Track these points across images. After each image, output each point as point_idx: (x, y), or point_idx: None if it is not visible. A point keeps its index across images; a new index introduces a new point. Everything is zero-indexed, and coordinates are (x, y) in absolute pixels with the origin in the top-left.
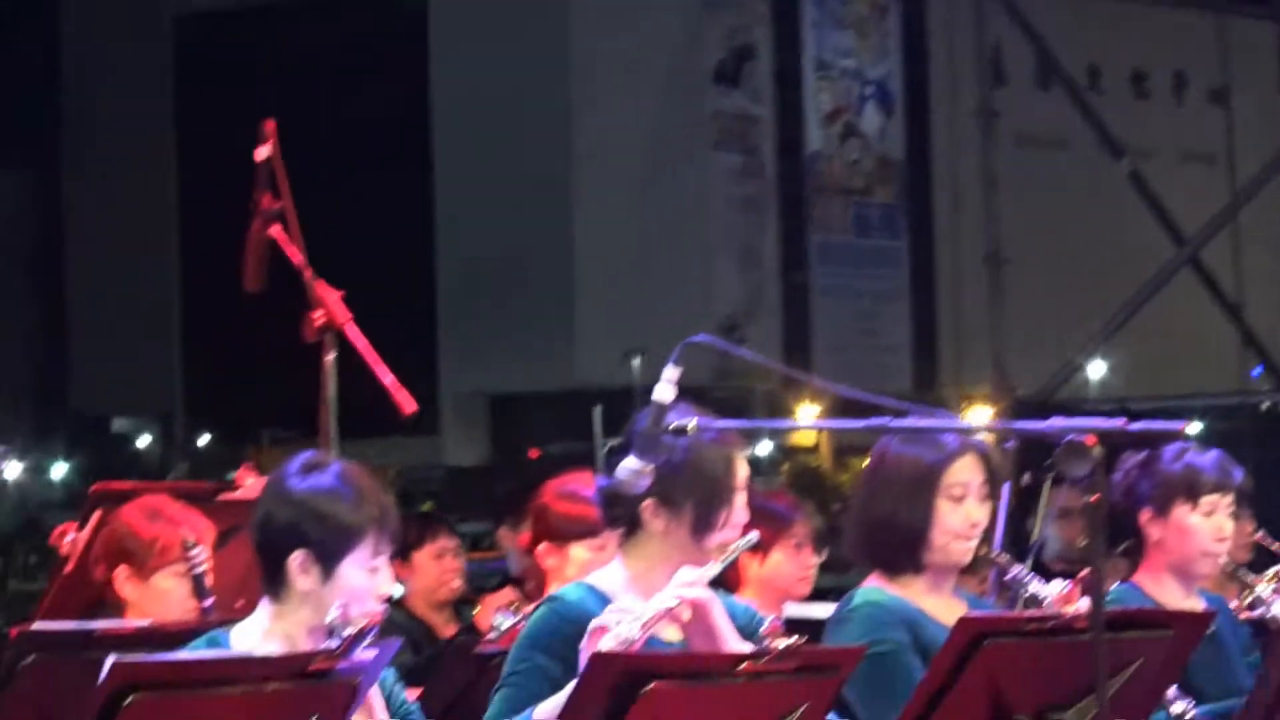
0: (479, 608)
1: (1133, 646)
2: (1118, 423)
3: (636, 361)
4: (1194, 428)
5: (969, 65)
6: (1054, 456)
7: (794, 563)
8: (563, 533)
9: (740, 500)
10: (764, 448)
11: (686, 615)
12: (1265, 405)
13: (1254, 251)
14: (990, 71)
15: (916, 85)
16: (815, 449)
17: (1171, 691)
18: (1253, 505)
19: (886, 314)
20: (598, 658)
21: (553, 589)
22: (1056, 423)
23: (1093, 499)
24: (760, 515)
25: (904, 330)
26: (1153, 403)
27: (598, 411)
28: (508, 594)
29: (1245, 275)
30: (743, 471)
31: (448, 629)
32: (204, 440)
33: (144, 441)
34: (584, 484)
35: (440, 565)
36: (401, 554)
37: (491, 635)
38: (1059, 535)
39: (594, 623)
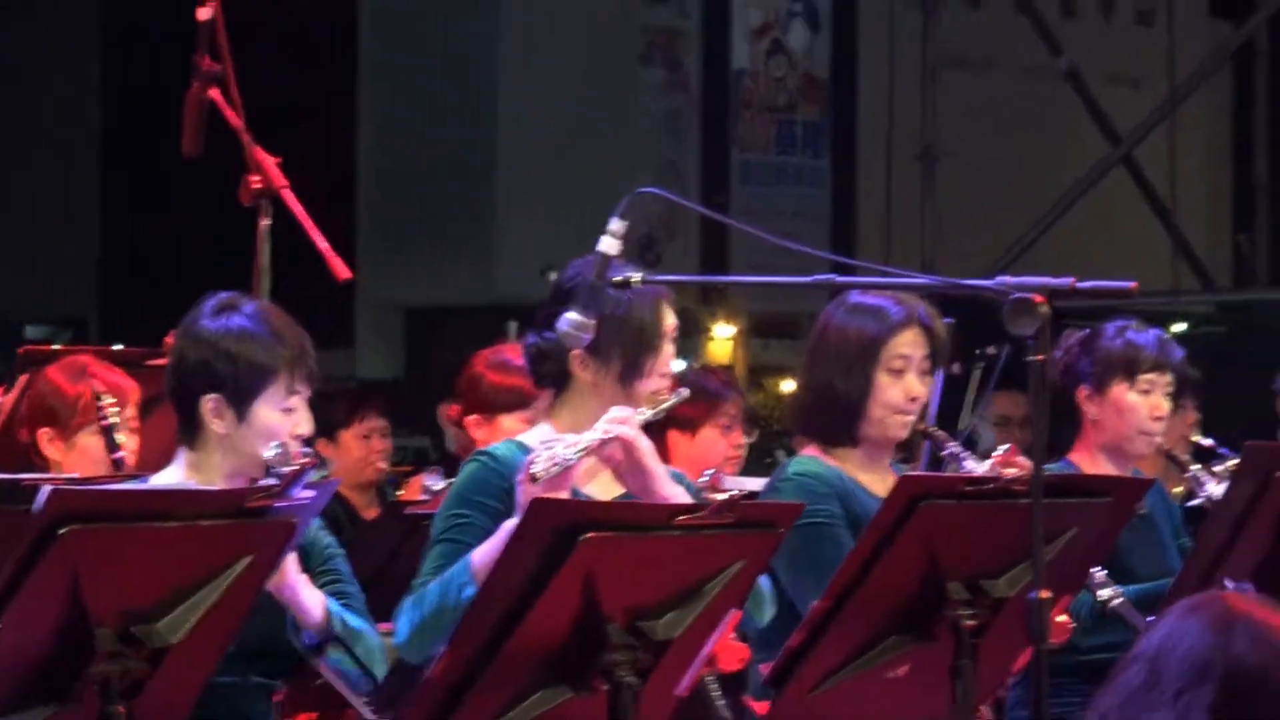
0: (404, 489)
1: (1070, 513)
2: (1065, 281)
3: (554, 277)
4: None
5: None
6: (1002, 315)
7: (723, 441)
8: (493, 403)
9: (668, 349)
10: (678, 365)
11: (619, 454)
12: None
13: (1187, 161)
14: None
15: (845, 2)
16: (731, 368)
17: (1100, 575)
18: (1196, 395)
19: (808, 234)
20: (535, 504)
21: None
22: (1004, 280)
23: (1038, 358)
24: (691, 393)
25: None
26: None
27: (513, 327)
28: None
29: (1179, 183)
30: (670, 320)
31: (370, 511)
32: (118, 347)
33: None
34: (515, 355)
35: (366, 446)
36: (328, 433)
37: (423, 497)
38: (995, 440)
39: (527, 459)
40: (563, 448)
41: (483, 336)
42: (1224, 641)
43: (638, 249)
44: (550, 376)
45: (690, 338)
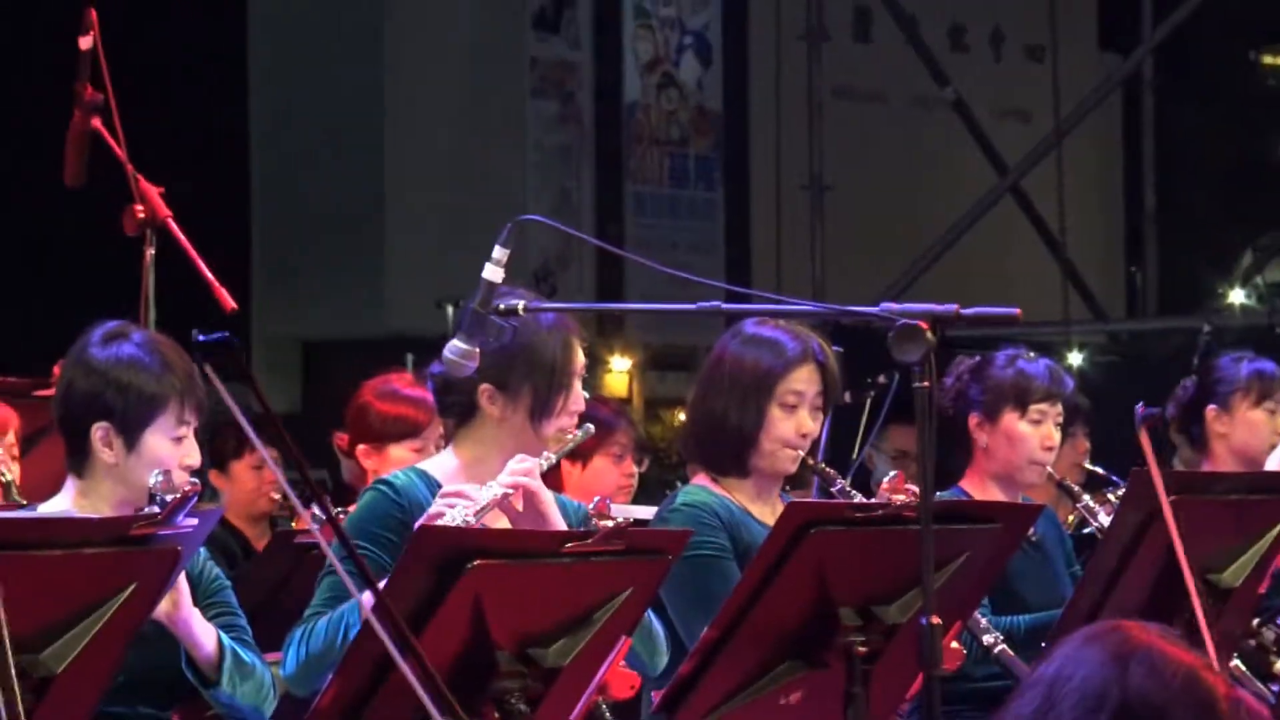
0: (296, 522)
1: (960, 539)
2: (950, 308)
3: (450, 310)
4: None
5: (789, 17)
6: (888, 341)
7: (615, 471)
8: (381, 433)
9: (577, 387)
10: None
11: (519, 504)
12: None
13: (1077, 192)
14: (810, 23)
15: (735, 36)
16: (629, 401)
17: (982, 621)
18: (1087, 424)
19: (701, 266)
20: (422, 531)
21: None
22: (888, 306)
23: (923, 384)
24: (583, 422)
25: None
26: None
27: (409, 360)
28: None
29: (1068, 214)
30: (580, 358)
31: (263, 542)
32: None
33: None
34: (403, 384)
35: (258, 476)
36: (219, 464)
37: (312, 525)
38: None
39: (432, 507)
40: (462, 509)
41: (378, 369)
42: (1121, 673)
43: (533, 280)
44: (455, 407)
45: (587, 371)
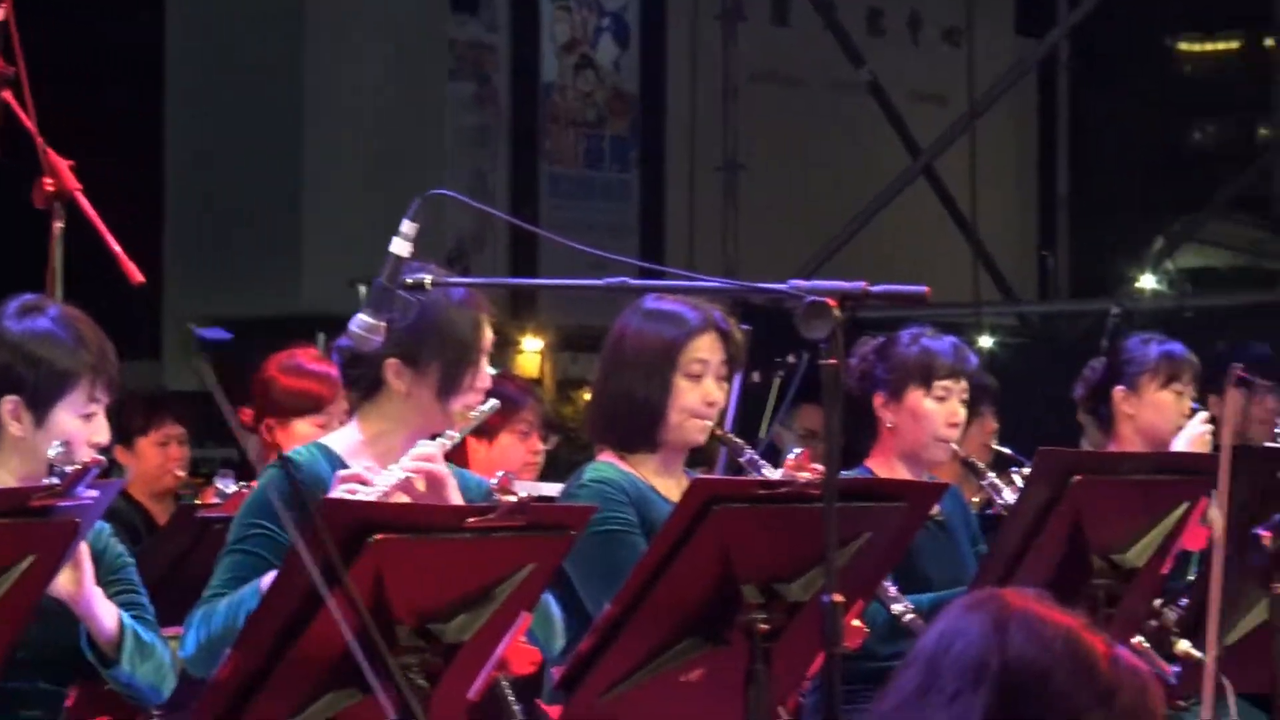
0: (200, 496)
1: (863, 517)
2: (858, 285)
3: (362, 289)
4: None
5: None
6: (795, 319)
7: (521, 447)
8: (286, 407)
9: (485, 364)
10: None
11: (421, 487)
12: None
13: (990, 175)
14: (727, 6)
15: (653, 18)
16: (540, 382)
17: (892, 590)
18: (994, 404)
19: (615, 248)
20: (325, 504)
21: None
22: (797, 284)
23: (830, 362)
24: (490, 399)
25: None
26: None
27: (321, 339)
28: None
29: (981, 197)
30: (489, 335)
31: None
32: None
33: None
34: (308, 358)
35: (164, 453)
36: (125, 440)
37: (215, 500)
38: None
39: (333, 490)
40: (364, 494)
41: (290, 345)
42: (1000, 639)
43: (446, 262)
44: (360, 380)
45: (498, 351)
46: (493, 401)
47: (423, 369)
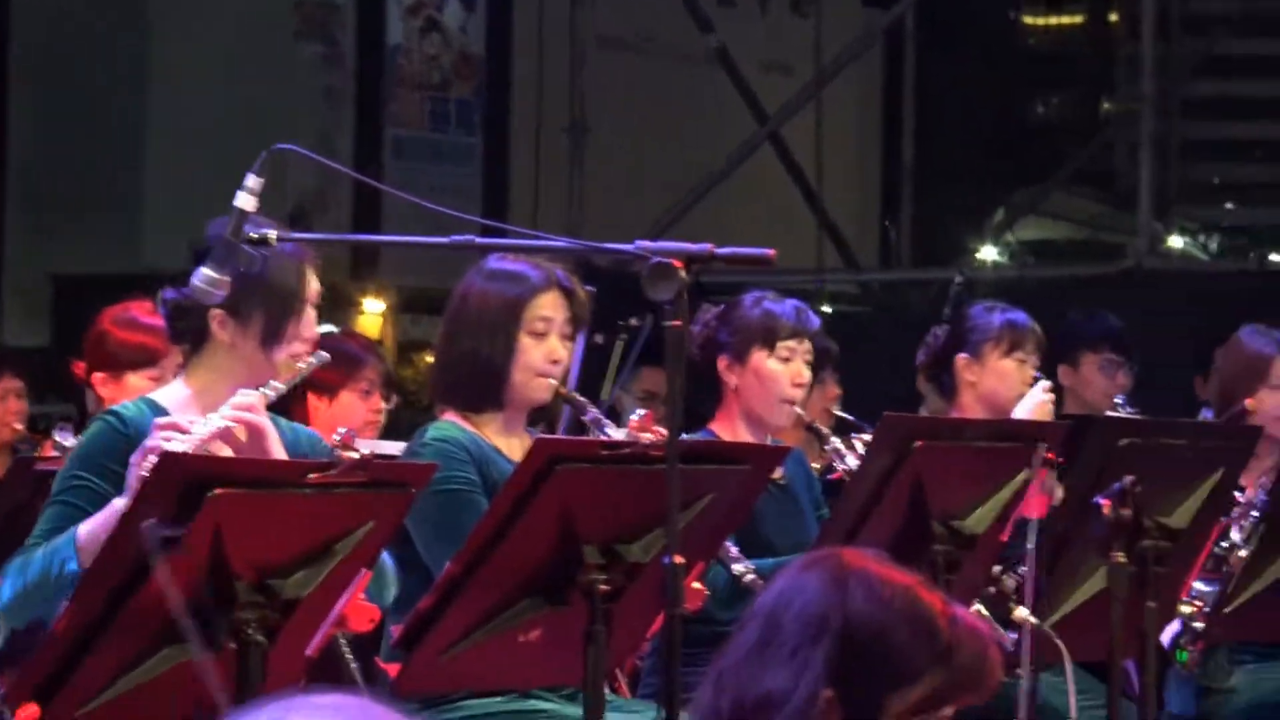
0: (40, 450)
1: (706, 479)
2: (704, 247)
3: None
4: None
5: None
6: (641, 280)
7: (362, 406)
8: (119, 361)
9: (310, 314)
10: (324, 329)
11: (242, 437)
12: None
13: (835, 144)
14: None
15: None
16: (381, 343)
17: (733, 550)
18: (836, 370)
19: (460, 210)
20: (166, 457)
21: None
22: (643, 244)
23: (675, 324)
24: (331, 357)
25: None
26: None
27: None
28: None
29: (826, 165)
30: (313, 284)
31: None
32: None
33: None
34: (143, 312)
35: (1, 407)
36: None
37: (54, 454)
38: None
39: (148, 440)
40: (181, 441)
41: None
42: (840, 596)
43: (288, 221)
44: (187, 333)
45: (339, 312)
46: (321, 354)
47: (245, 319)
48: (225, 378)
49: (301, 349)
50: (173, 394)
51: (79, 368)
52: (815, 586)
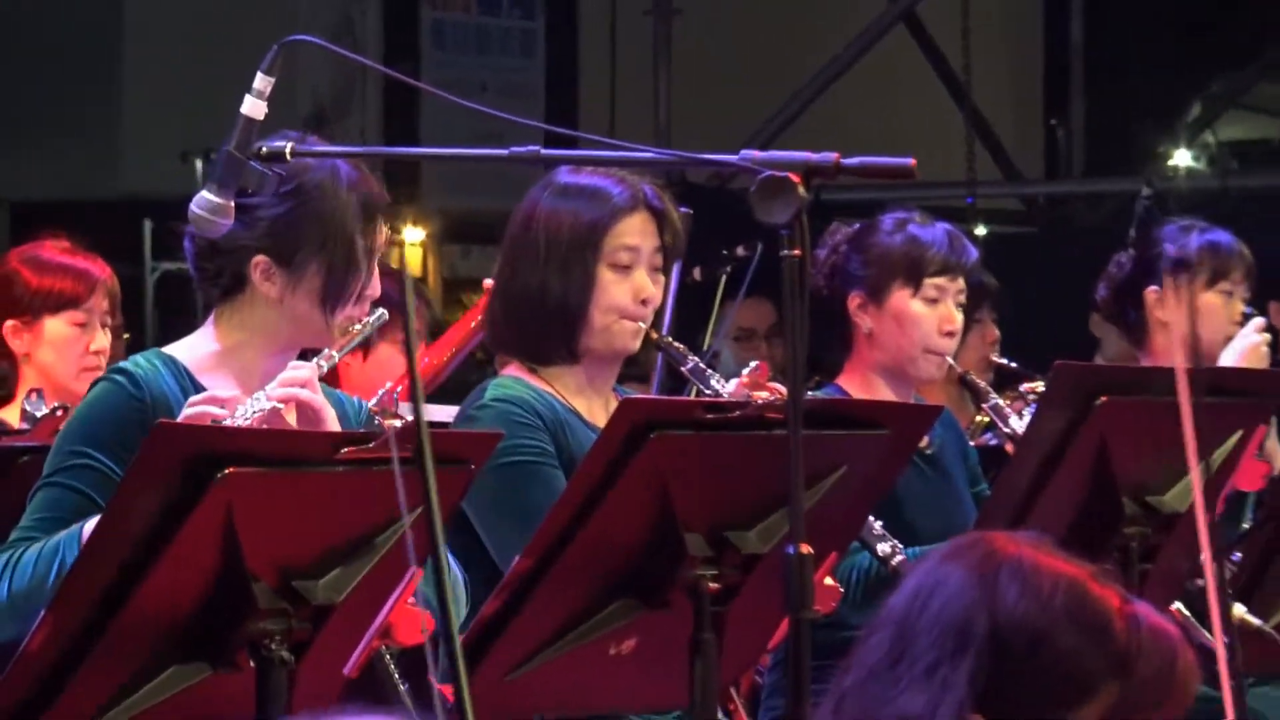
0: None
1: (837, 448)
2: (828, 157)
3: (199, 165)
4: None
5: None
6: (748, 199)
7: (402, 360)
8: (31, 305)
9: (375, 267)
10: None
11: (292, 420)
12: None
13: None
14: None
15: None
16: (423, 280)
17: (877, 526)
18: (996, 308)
19: (518, 112)
20: (160, 429)
21: (27, 375)
22: (750, 154)
23: (794, 253)
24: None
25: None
26: (858, 194)
27: (147, 226)
28: None
29: (975, 53)
30: (383, 230)
31: None
32: None
33: None
34: (56, 250)
35: None
36: None
37: (24, 426)
38: (734, 357)
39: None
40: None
41: (109, 237)
42: (988, 594)
43: (302, 128)
44: (219, 279)
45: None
46: (380, 312)
47: (300, 270)
48: (265, 339)
49: (360, 312)
50: (195, 349)
51: None
52: (957, 584)
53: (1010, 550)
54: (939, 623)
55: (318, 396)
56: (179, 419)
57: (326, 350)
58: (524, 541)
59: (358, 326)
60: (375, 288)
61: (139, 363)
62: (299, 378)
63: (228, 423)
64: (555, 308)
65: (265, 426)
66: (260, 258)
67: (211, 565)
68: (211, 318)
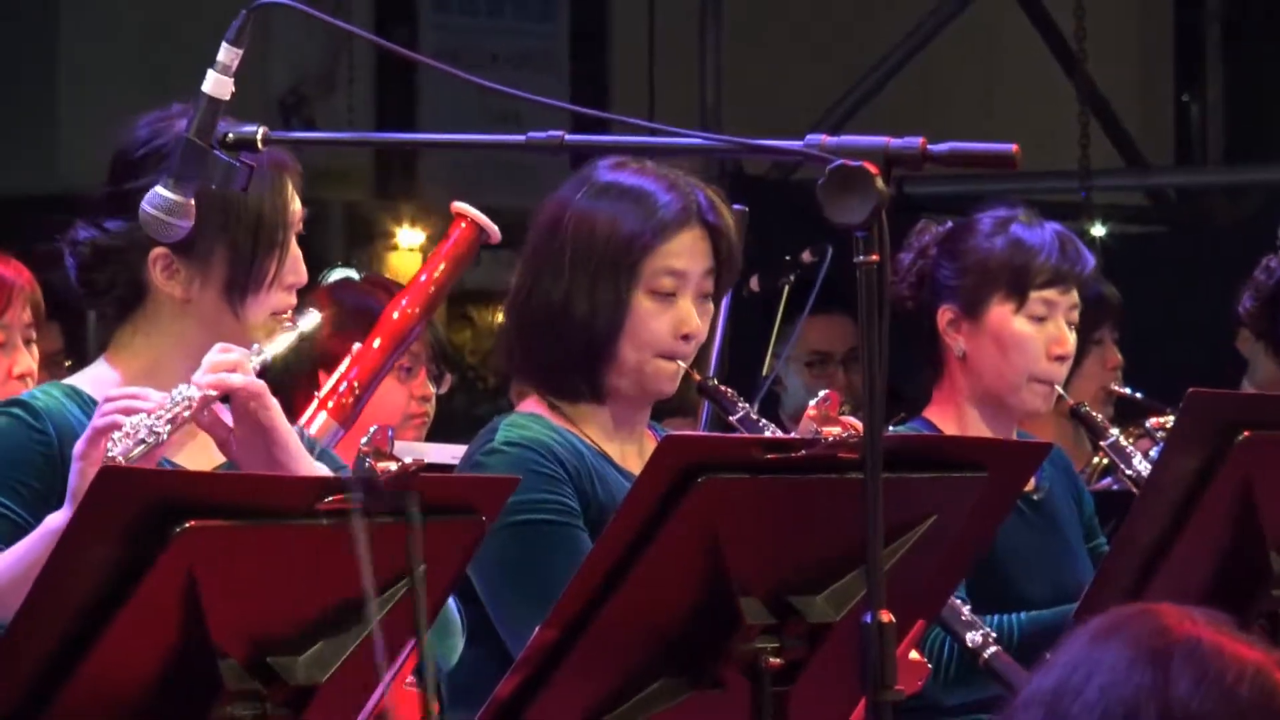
0: None
1: (924, 494)
2: (913, 142)
3: None
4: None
5: None
6: (817, 191)
7: (400, 391)
8: None
9: (295, 247)
10: (340, 273)
11: (228, 419)
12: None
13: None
14: None
15: None
16: None
17: (965, 610)
18: (1123, 329)
19: (536, 88)
20: (106, 474)
21: None
22: (817, 139)
23: (871, 259)
24: (346, 315)
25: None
26: (949, 186)
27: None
28: None
29: (1091, 21)
30: (296, 204)
31: None
32: None
33: None
34: None
35: None
36: None
37: None
38: (805, 386)
39: (96, 420)
40: (148, 415)
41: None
42: (1159, 679)
43: (279, 110)
44: (111, 291)
45: (363, 247)
46: (312, 311)
47: (203, 259)
48: (179, 354)
49: (288, 301)
50: (98, 379)
51: None
52: (1120, 665)
53: (1185, 629)
54: (1100, 707)
55: (255, 380)
56: (88, 429)
57: (255, 346)
58: (540, 617)
59: (288, 324)
60: (299, 271)
61: (35, 395)
62: (228, 361)
63: (151, 421)
64: (578, 335)
65: (195, 429)
66: (158, 250)
67: (170, 638)
68: (110, 344)
